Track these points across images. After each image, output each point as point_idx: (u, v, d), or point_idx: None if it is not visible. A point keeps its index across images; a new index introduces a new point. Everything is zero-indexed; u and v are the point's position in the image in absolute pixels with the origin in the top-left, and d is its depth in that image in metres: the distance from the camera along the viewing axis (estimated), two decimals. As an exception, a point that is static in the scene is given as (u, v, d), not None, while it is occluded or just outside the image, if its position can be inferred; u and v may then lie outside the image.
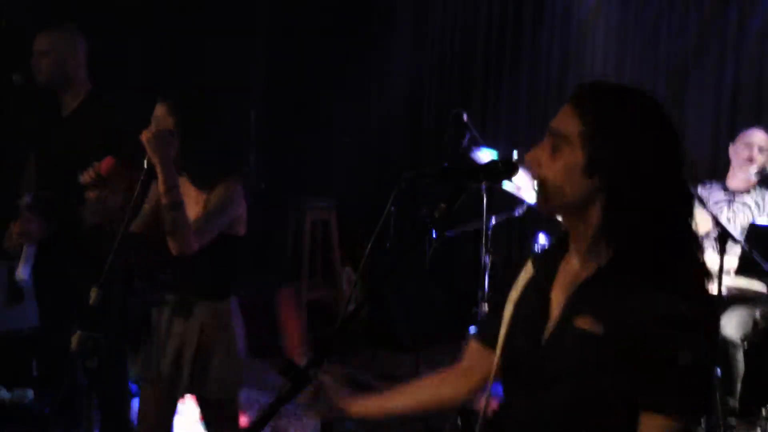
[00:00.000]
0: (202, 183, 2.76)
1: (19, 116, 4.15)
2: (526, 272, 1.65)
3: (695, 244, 1.47)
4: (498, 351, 1.63)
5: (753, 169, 4.19)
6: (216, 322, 2.78)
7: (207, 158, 2.75)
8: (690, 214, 1.47)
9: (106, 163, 2.78)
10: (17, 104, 4.22)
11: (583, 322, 1.44)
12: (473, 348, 1.78)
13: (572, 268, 1.53)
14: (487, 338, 1.70)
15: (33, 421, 3.98)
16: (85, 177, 2.77)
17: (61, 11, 4.58)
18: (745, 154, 4.23)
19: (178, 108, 2.70)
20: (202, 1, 5.67)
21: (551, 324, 1.51)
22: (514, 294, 1.64)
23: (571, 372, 1.45)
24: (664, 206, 1.43)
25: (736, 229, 4.06)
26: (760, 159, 4.20)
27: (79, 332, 2.41)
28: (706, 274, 1.45)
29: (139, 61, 5.16)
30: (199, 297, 2.78)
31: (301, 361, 1.69)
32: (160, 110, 2.73)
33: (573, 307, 1.48)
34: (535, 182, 1.51)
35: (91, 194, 2.76)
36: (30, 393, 4.28)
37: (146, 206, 2.88)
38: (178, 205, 2.59)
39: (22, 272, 3.20)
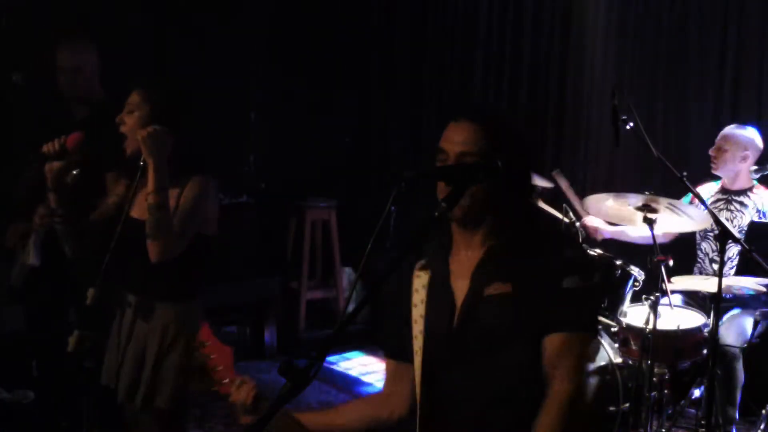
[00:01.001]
0: (174, 178, 2.63)
1: (27, 120, 4.15)
2: (419, 278, 1.84)
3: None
4: (419, 348, 1.79)
5: (720, 169, 4.20)
6: (178, 325, 2.65)
7: (180, 152, 2.63)
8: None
9: (73, 138, 2.67)
10: (26, 108, 4.23)
11: (493, 289, 1.74)
12: (392, 370, 1.94)
13: (465, 258, 1.80)
14: (400, 353, 1.89)
15: (33, 421, 3.98)
16: (49, 147, 2.64)
17: (60, 11, 4.59)
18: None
19: (154, 96, 2.64)
20: (202, 2, 5.67)
21: (459, 304, 1.77)
22: (417, 297, 1.82)
23: (497, 335, 1.72)
24: (531, 195, 1.90)
25: (734, 229, 4.05)
26: (724, 156, 4.18)
27: (77, 332, 2.40)
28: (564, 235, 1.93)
29: (138, 62, 5.16)
30: (161, 299, 2.66)
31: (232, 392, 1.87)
32: (135, 98, 2.65)
33: (479, 282, 1.76)
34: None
35: (54, 164, 2.64)
36: (30, 393, 4.27)
37: (111, 200, 2.83)
38: (164, 207, 2.52)
39: (34, 259, 3.21)
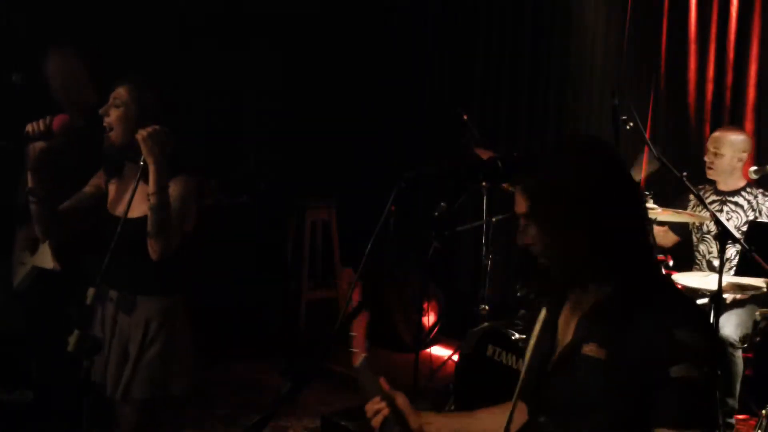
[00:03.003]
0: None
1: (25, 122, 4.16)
2: (541, 317, 1.75)
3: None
4: (520, 380, 1.73)
5: (714, 171, 4.20)
6: (161, 318, 2.69)
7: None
8: (644, 235, 1.63)
9: (59, 119, 2.60)
10: (25, 110, 4.23)
11: (589, 349, 1.57)
12: None
13: (580, 300, 1.65)
14: None
15: (33, 421, 3.98)
16: (33, 126, 2.57)
17: (59, 11, 4.58)
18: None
19: (142, 95, 2.62)
20: (200, 2, 5.67)
21: (558, 350, 1.65)
22: (534, 331, 1.75)
23: (580, 396, 1.57)
24: (630, 236, 1.57)
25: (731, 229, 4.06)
26: (718, 160, 4.20)
27: (77, 332, 2.40)
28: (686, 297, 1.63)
29: (137, 65, 5.16)
30: (143, 293, 2.69)
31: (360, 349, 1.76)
32: (122, 93, 2.63)
33: (580, 335, 1.61)
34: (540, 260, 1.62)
35: (38, 145, 2.59)
36: (30, 393, 4.27)
37: (86, 189, 2.82)
38: (166, 206, 2.54)
39: (54, 263, 3.27)
